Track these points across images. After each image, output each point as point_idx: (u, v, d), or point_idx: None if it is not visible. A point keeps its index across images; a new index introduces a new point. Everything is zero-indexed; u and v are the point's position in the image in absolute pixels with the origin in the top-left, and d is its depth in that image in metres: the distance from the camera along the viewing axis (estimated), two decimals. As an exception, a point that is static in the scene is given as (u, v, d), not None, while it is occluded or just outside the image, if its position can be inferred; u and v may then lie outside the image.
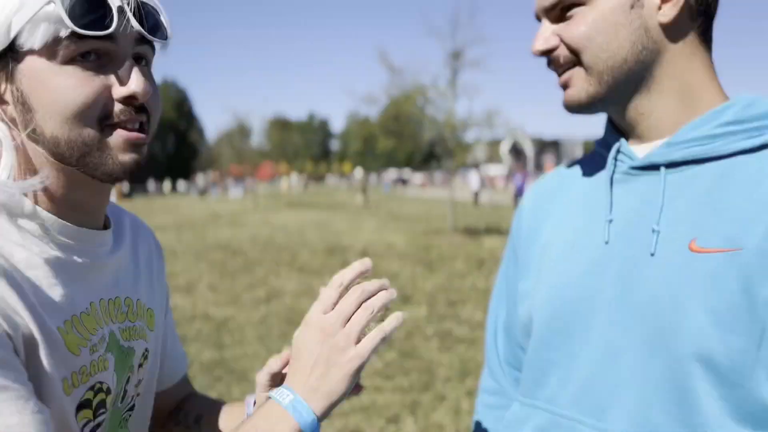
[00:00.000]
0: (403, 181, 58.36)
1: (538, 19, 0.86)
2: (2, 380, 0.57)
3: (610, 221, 0.82)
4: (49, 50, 0.64)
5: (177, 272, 9.09)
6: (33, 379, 0.63)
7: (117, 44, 0.66)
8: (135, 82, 0.66)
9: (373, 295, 0.71)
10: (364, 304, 0.70)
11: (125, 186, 41.05)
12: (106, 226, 0.80)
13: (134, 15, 0.66)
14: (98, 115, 0.66)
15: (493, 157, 55.17)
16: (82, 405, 0.70)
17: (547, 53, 0.84)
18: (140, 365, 0.83)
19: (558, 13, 0.82)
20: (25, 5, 0.62)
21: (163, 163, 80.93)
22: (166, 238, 14.10)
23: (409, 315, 6.20)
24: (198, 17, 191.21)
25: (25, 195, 0.69)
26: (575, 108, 0.84)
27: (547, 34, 0.83)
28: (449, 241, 12.44)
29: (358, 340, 0.69)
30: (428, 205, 27.34)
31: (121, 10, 0.65)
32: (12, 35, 0.63)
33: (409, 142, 14.03)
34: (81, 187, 0.72)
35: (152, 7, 0.70)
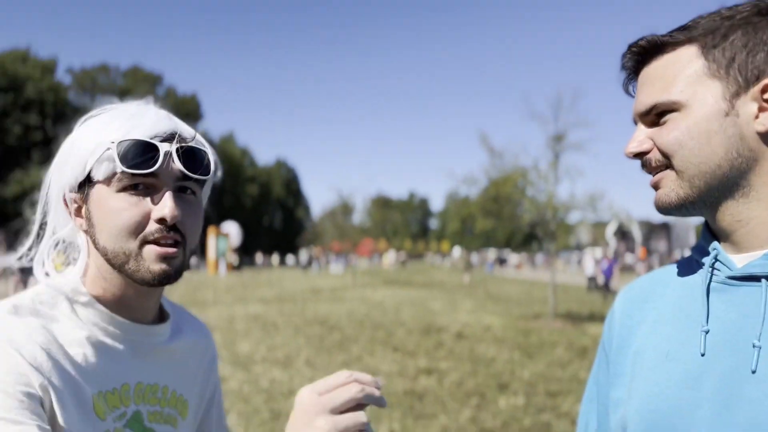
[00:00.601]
0: (501, 261, 57.20)
1: (635, 122, 0.88)
2: (22, 419, 0.70)
3: (707, 332, 0.80)
4: (108, 181, 0.83)
5: (277, 345, 9.31)
6: (64, 430, 0.76)
7: (159, 179, 0.83)
8: (167, 208, 0.81)
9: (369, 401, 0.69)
10: (357, 413, 0.67)
11: (235, 259, 43.24)
12: (162, 319, 0.98)
13: (179, 157, 0.83)
14: (137, 233, 0.82)
15: (598, 240, 53.19)
16: None
17: (640, 156, 0.86)
18: None
19: (653, 118, 0.84)
20: (96, 149, 0.83)
21: (271, 237, 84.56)
22: (269, 310, 14.56)
23: (506, 404, 5.96)
24: (310, 102, 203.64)
25: (89, 291, 0.88)
26: (665, 209, 0.84)
27: (641, 137, 0.85)
28: (550, 326, 11.97)
29: None
30: (528, 287, 26.59)
31: (167, 153, 0.83)
32: (87, 170, 0.84)
33: (508, 222, 13.88)
34: (129, 288, 0.88)
35: (199, 150, 0.87)
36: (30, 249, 0.90)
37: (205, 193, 0.95)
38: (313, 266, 47.18)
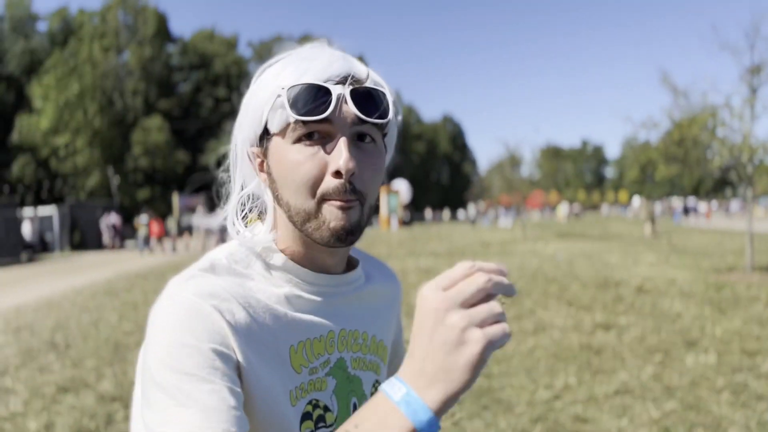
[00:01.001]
0: (686, 210, 52.41)
1: None
2: (213, 378, 0.68)
3: None
4: (283, 132, 0.79)
5: (448, 298, 9.50)
6: (263, 386, 0.75)
7: (333, 125, 0.77)
8: (341, 159, 0.75)
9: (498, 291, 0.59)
10: (490, 303, 0.58)
11: (406, 215, 44.59)
12: (352, 266, 0.95)
13: (353, 100, 0.76)
14: (315, 188, 0.78)
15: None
16: (305, 416, 0.82)
17: None
18: (372, 395, 0.92)
19: None
20: (269, 98, 0.79)
21: (439, 193, 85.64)
22: (440, 264, 14.85)
23: (695, 361, 5.57)
24: (473, 54, 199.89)
25: (278, 246, 0.86)
26: None
27: None
28: (746, 280, 10.84)
29: (481, 327, 0.57)
30: (720, 237, 24.18)
31: (340, 96, 0.76)
32: (263, 121, 0.81)
33: (695, 168, 12.62)
34: (314, 244, 0.84)
35: (377, 91, 0.79)
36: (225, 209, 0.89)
37: (390, 140, 0.88)
38: (482, 220, 47.08)
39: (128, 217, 36.29)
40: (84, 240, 27.38)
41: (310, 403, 0.83)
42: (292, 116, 0.76)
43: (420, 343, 0.58)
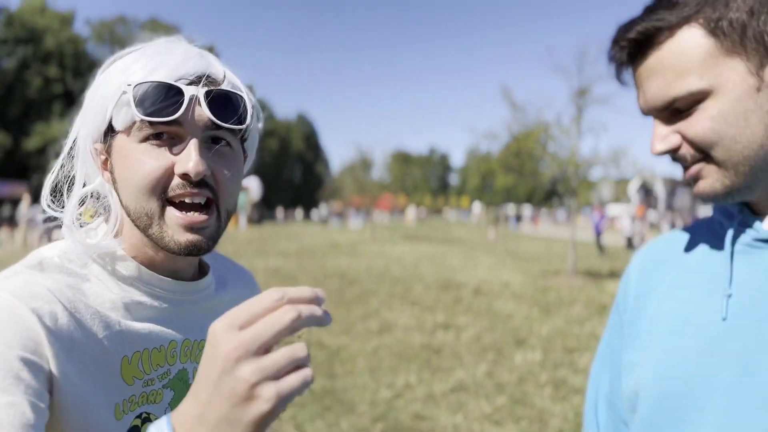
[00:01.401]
0: (518, 218, 56.92)
1: (644, 114, 0.80)
2: (13, 389, 0.61)
3: (729, 296, 0.77)
4: (129, 131, 0.73)
5: (296, 299, 9.44)
6: (82, 399, 0.68)
7: (184, 128, 0.72)
8: (191, 162, 0.71)
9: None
10: (293, 347, 0.50)
11: (254, 213, 43.62)
12: (204, 272, 0.89)
13: (208, 102, 0.72)
14: (159, 189, 0.73)
15: (620, 197, 52.58)
16: (132, 431, 0.75)
17: (670, 152, 0.78)
18: None
19: (672, 111, 0.76)
20: (115, 93, 0.73)
21: (291, 192, 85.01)
22: (289, 264, 14.73)
23: (523, 359, 6.01)
24: (329, 56, 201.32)
25: (123, 248, 0.79)
26: (710, 200, 0.77)
27: (664, 132, 0.78)
28: (569, 283, 11.97)
29: (276, 379, 0.48)
30: (549, 244, 26.51)
31: (192, 98, 0.71)
32: (108, 118, 0.74)
33: (529, 179, 13.74)
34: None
35: (234, 95, 0.75)
36: (54, 201, 0.80)
37: (250, 145, 0.84)
38: (332, 221, 47.45)
39: (-67, 204, 31.83)
40: None
41: (139, 416, 0.76)
42: (138, 116, 0.70)
43: (205, 387, 0.49)
